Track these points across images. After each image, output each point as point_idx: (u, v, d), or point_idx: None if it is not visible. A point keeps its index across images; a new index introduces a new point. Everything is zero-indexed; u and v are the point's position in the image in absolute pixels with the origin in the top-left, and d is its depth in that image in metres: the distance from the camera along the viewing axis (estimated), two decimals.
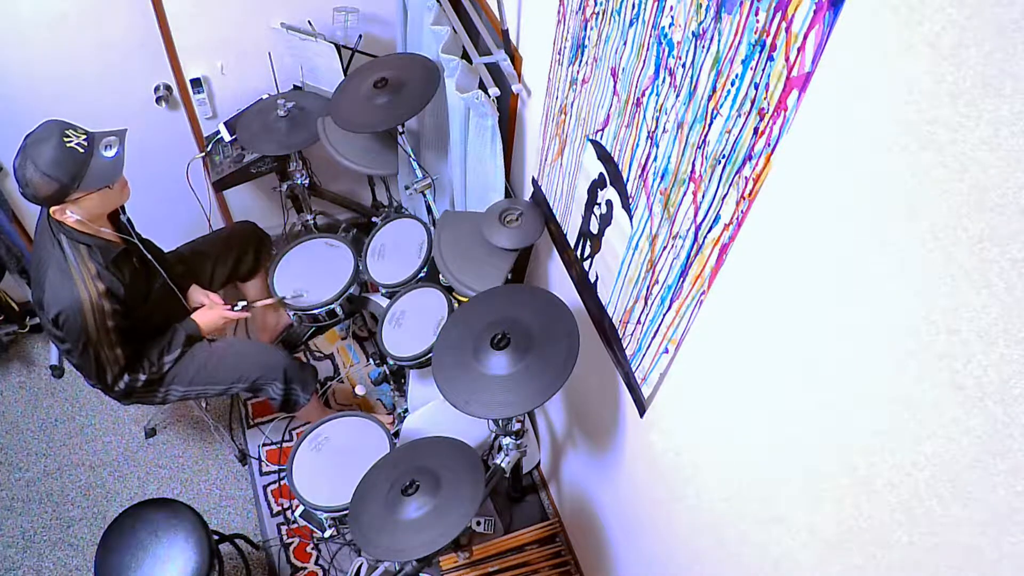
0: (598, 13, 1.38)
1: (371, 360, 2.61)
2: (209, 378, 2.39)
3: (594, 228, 1.67)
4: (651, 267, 1.40)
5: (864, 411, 0.91)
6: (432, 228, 2.52)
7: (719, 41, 1.02)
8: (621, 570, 2.10)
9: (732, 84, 1.01)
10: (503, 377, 1.57)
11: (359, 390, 2.81)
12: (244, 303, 2.43)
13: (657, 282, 1.39)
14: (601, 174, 1.56)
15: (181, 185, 2.73)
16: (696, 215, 1.19)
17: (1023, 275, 0.66)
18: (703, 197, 1.16)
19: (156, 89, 2.68)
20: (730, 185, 1.08)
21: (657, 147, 1.28)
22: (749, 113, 0.99)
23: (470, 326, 1.69)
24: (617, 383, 1.74)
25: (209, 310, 2.39)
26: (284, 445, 2.87)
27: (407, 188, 2.41)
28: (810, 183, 0.92)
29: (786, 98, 0.91)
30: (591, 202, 1.65)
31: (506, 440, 1.97)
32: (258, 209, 3.28)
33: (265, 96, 2.77)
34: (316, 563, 2.62)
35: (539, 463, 2.78)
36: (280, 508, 2.74)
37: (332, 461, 2.24)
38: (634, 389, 1.62)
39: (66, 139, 1.87)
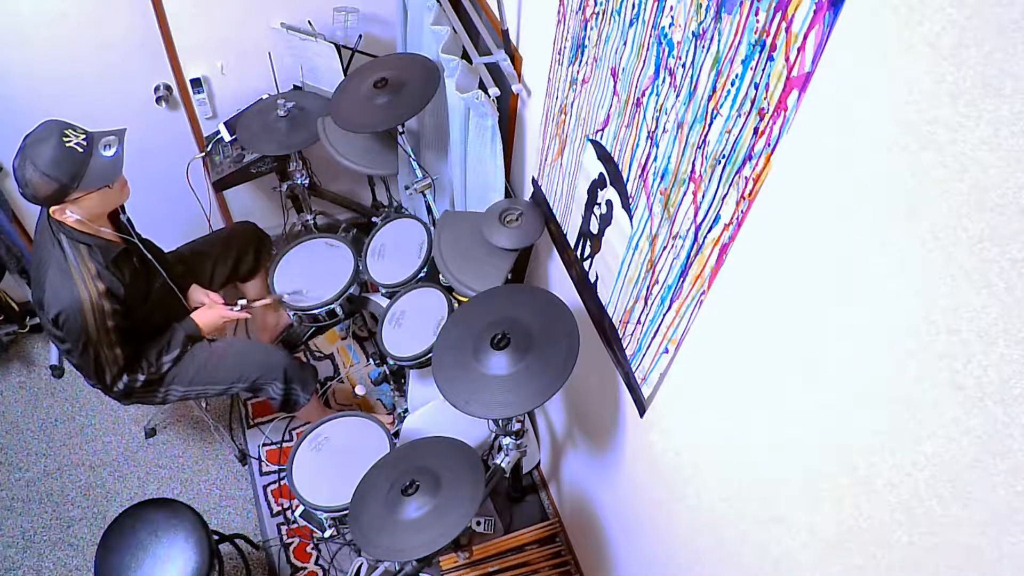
0: (598, 13, 1.38)
1: (371, 360, 2.61)
2: (209, 378, 2.39)
3: (594, 228, 1.67)
4: (651, 267, 1.40)
5: (864, 411, 0.91)
6: (432, 228, 2.52)
7: (719, 41, 1.02)
8: (621, 570, 2.10)
9: (732, 84, 1.01)
10: (503, 377, 1.57)
11: (359, 390, 2.81)
12: (244, 301, 2.42)
13: (657, 282, 1.39)
14: (601, 174, 1.56)
15: (181, 185, 2.73)
16: (696, 215, 1.19)
17: (1023, 275, 0.66)
18: (703, 197, 1.16)
19: (156, 89, 2.68)
20: (730, 185, 1.08)
21: (657, 147, 1.28)
22: (749, 113, 0.99)
23: (470, 326, 1.69)
24: (617, 383, 1.74)
25: (209, 310, 2.39)
26: (284, 445, 2.87)
27: (407, 188, 2.41)
28: (810, 183, 0.92)
29: (786, 98, 0.91)
30: (591, 202, 1.65)
31: (506, 440, 1.97)
32: (258, 209, 3.28)
33: (265, 96, 2.77)
34: (316, 563, 2.62)
35: (539, 463, 2.78)
36: (280, 508, 2.74)
37: (332, 461, 2.24)
38: (634, 389, 1.62)
39: (65, 139, 1.87)
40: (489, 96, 1.93)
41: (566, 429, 2.40)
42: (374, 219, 3.11)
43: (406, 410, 2.56)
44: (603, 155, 1.53)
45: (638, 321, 1.52)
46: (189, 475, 2.86)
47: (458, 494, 1.67)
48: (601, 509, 2.17)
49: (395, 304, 2.41)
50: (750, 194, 1.04)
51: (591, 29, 1.43)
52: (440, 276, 2.30)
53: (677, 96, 1.17)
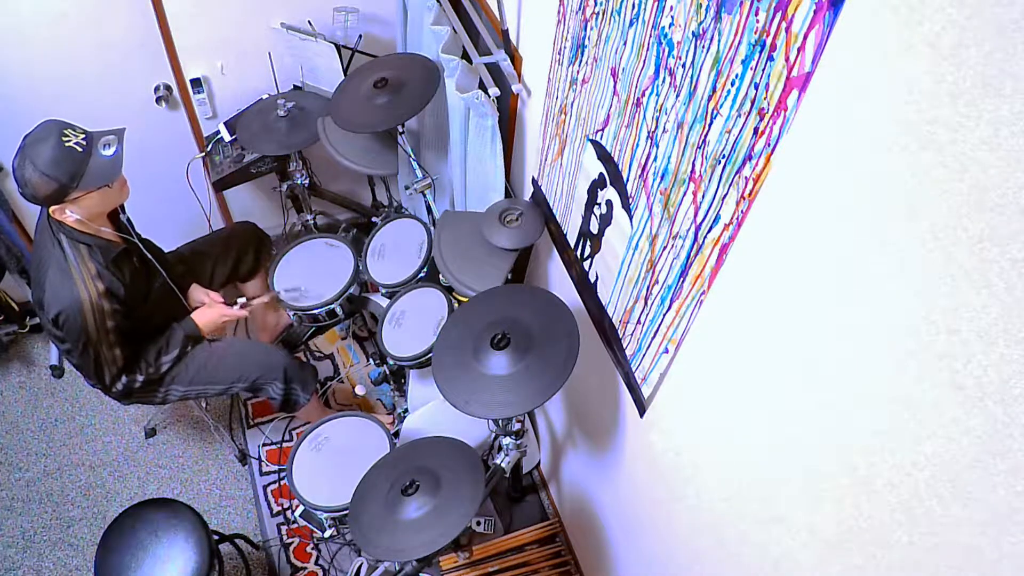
0: (598, 13, 1.38)
1: (371, 360, 2.61)
2: (209, 378, 2.39)
3: (594, 228, 1.67)
4: (651, 267, 1.40)
5: (864, 411, 0.91)
6: (432, 228, 2.52)
7: (719, 41, 1.02)
8: (621, 570, 2.10)
9: (732, 84, 1.01)
10: (503, 377, 1.57)
11: (359, 390, 2.81)
12: (244, 299, 2.42)
13: (657, 282, 1.39)
14: (601, 174, 1.56)
15: (181, 185, 2.73)
16: (696, 215, 1.19)
17: (1023, 275, 0.66)
18: (703, 197, 1.16)
19: (156, 89, 2.68)
20: (730, 185, 1.08)
21: (657, 147, 1.28)
22: (749, 113, 0.99)
23: (470, 326, 1.69)
24: (617, 383, 1.74)
25: (208, 309, 2.39)
26: (284, 445, 2.87)
27: (407, 188, 2.41)
28: (810, 183, 0.92)
29: (786, 98, 0.91)
30: (591, 202, 1.65)
31: (506, 440, 1.97)
32: (258, 209, 3.28)
33: (265, 96, 2.77)
34: (316, 563, 2.62)
35: (539, 463, 2.78)
36: (280, 508, 2.74)
37: (332, 461, 2.24)
38: (634, 389, 1.62)
39: (64, 138, 1.87)
40: (489, 96, 1.93)
41: (566, 429, 2.40)
42: (374, 219, 3.11)
43: (406, 410, 2.56)
44: (603, 155, 1.53)
45: (638, 321, 1.52)
46: (189, 475, 2.86)
47: (458, 494, 1.67)
48: (601, 509, 2.17)
49: (395, 304, 2.41)
50: (750, 194, 1.04)
51: (591, 29, 1.43)
52: (440, 276, 2.30)
53: (677, 96, 1.17)
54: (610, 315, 1.67)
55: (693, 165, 1.17)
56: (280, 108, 2.60)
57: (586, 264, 1.77)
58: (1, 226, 2.73)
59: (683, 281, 1.29)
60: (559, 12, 1.56)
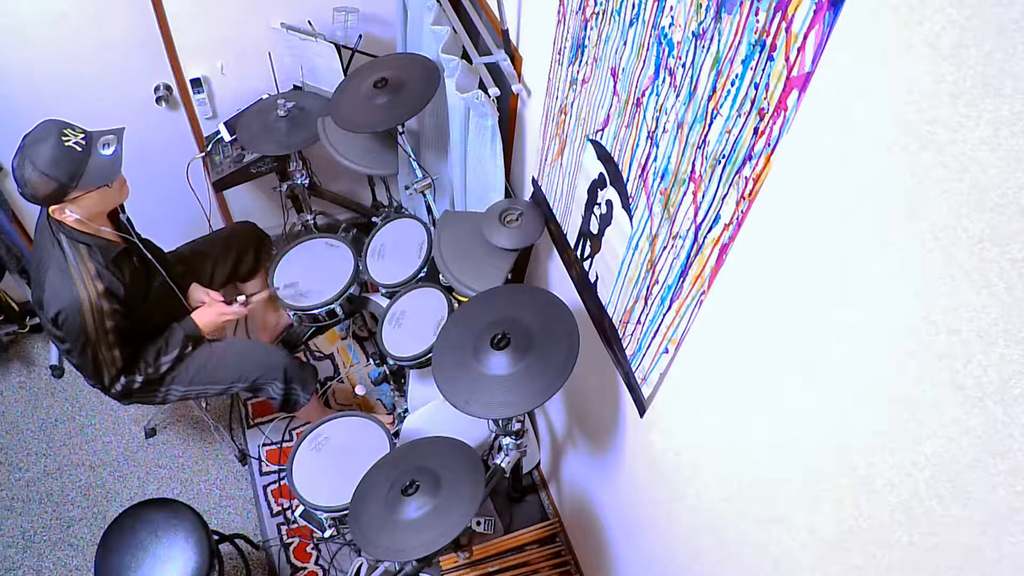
0: (598, 13, 1.38)
1: (371, 360, 2.61)
2: (209, 378, 2.39)
3: (594, 228, 1.67)
4: (651, 267, 1.40)
5: (864, 411, 0.91)
6: (432, 228, 2.52)
7: (719, 41, 1.02)
8: (621, 570, 2.10)
9: (732, 84, 1.01)
10: (503, 377, 1.57)
11: (359, 390, 2.81)
12: (243, 297, 2.42)
13: (657, 282, 1.39)
14: (601, 174, 1.56)
15: (181, 185, 2.73)
16: (696, 215, 1.19)
17: (1023, 275, 0.66)
18: (703, 197, 1.16)
19: (156, 89, 2.68)
20: (730, 185, 1.08)
21: (657, 147, 1.28)
22: (749, 113, 0.99)
23: (470, 326, 1.69)
24: (617, 383, 1.74)
25: (208, 308, 2.39)
26: (284, 445, 2.87)
27: (407, 188, 2.41)
28: (810, 183, 0.92)
29: (786, 98, 0.91)
30: (591, 202, 1.65)
31: (506, 440, 1.97)
32: (258, 209, 3.28)
33: (265, 96, 2.77)
34: (316, 563, 2.62)
35: (539, 463, 2.78)
36: (280, 508, 2.74)
37: (332, 461, 2.24)
38: (634, 389, 1.62)
39: (64, 138, 1.87)
40: (489, 96, 1.93)
41: (566, 429, 2.40)
42: (374, 219, 3.11)
43: (406, 410, 2.56)
44: (603, 155, 1.53)
45: (638, 321, 1.52)
46: (189, 475, 2.86)
47: (458, 494, 1.67)
48: (601, 509, 2.17)
49: (395, 304, 2.41)
50: (750, 194, 1.04)
51: (591, 29, 1.43)
52: (440, 276, 2.30)
53: (677, 96, 1.17)
54: (610, 315, 1.67)
55: (693, 165, 1.17)
56: (280, 108, 2.60)
57: (586, 264, 1.77)
58: (1, 226, 2.73)
59: (683, 281, 1.29)
60: (559, 12, 1.56)
